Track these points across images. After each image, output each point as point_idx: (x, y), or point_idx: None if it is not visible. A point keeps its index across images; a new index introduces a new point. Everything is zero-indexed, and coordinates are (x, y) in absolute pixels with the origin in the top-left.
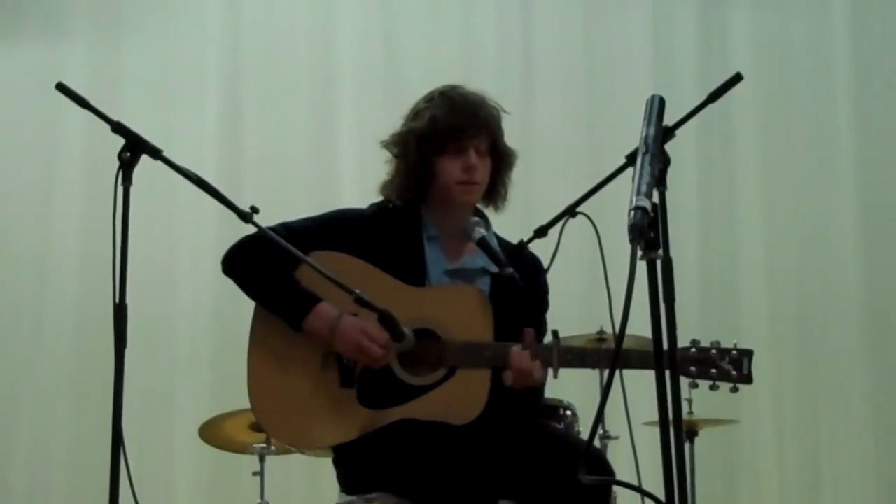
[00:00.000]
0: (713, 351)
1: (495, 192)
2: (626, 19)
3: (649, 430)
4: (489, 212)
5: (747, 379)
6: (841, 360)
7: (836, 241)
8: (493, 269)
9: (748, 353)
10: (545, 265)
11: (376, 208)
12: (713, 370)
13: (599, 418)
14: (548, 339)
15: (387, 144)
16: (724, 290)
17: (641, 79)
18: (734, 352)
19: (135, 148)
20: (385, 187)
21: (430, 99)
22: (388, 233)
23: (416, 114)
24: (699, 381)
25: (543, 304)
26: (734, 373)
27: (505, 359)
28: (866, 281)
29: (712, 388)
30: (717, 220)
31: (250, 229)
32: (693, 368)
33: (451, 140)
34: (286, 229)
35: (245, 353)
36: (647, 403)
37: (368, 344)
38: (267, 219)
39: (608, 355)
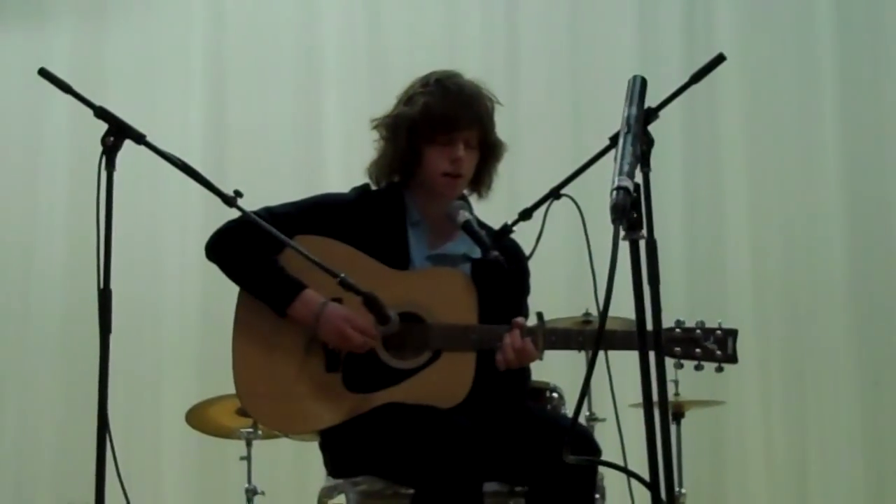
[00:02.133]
0: (697, 331)
1: (480, 181)
2: (611, 2)
3: (636, 412)
4: (472, 199)
5: (732, 358)
6: (827, 339)
7: (822, 222)
8: (475, 254)
9: (733, 333)
10: (530, 248)
11: (359, 193)
12: (697, 350)
13: (584, 396)
14: (532, 321)
15: (377, 125)
16: (710, 272)
17: (627, 62)
18: (719, 332)
19: (118, 133)
20: (371, 168)
21: (425, 84)
22: (371, 217)
23: (409, 97)
24: (684, 362)
25: (525, 289)
26: (719, 352)
27: (491, 341)
28: (852, 260)
29: (697, 368)
30: (702, 201)
31: (235, 214)
32: (677, 349)
33: (441, 130)
34: (269, 214)
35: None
36: (633, 385)
37: (352, 332)
38: (252, 203)
39: (592, 336)
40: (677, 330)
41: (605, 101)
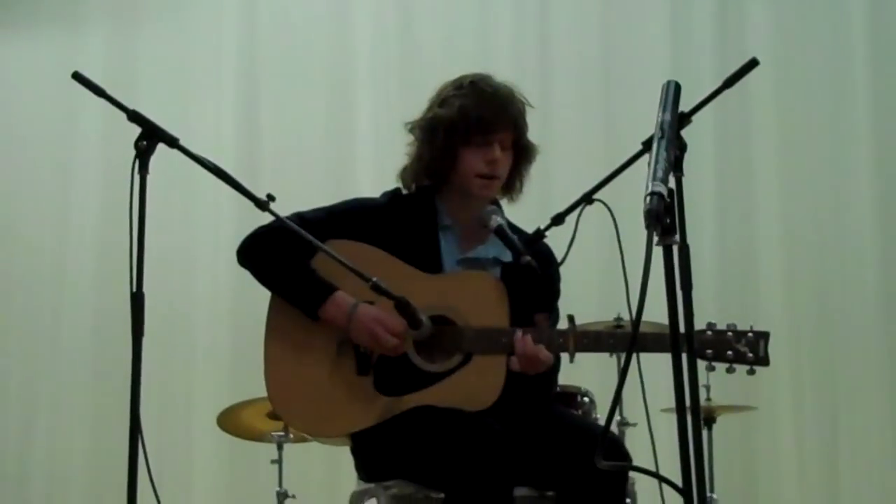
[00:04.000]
0: (729, 333)
1: (512, 184)
2: (643, 6)
3: (668, 417)
4: (503, 202)
5: (764, 361)
6: (859, 344)
7: (854, 226)
8: (506, 258)
9: (764, 335)
10: (562, 253)
11: (390, 197)
12: (729, 352)
13: (617, 401)
14: (563, 324)
15: (412, 128)
16: (742, 277)
17: (659, 66)
18: (750, 334)
19: (151, 136)
20: (404, 171)
21: (459, 87)
22: (402, 221)
23: (443, 100)
24: (715, 364)
25: (555, 293)
26: (750, 355)
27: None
28: (884, 265)
29: (729, 370)
30: (734, 204)
31: (267, 218)
32: (709, 351)
33: (477, 132)
34: (300, 219)
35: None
36: (665, 390)
37: (384, 334)
38: (284, 207)
39: (624, 339)
40: (709, 332)
41: (638, 106)
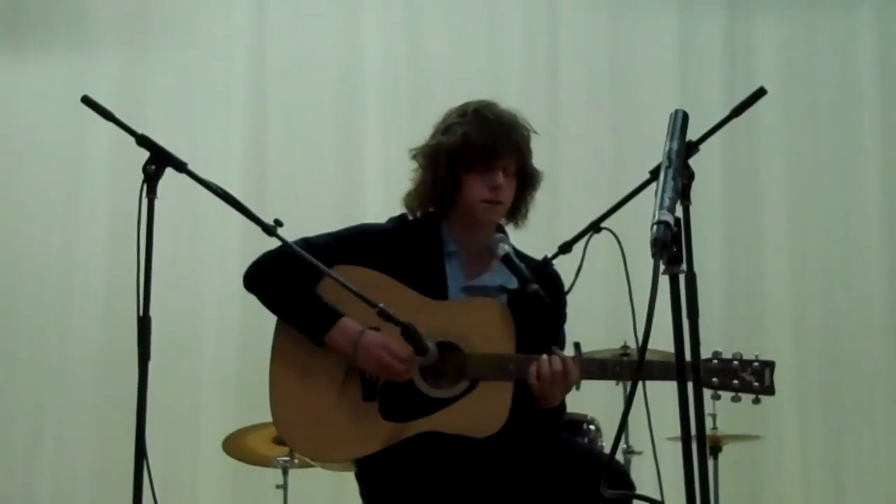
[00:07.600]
0: (735, 362)
1: (517, 211)
2: (651, 34)
3: (673, 446)
4: (508, 228)
5: (769, 390)
6: (866, 374)
7: (862, 255)
8: (512, 286)
9: (770, 365)
10: (570, 281)
11: (396, 222)
12: (735, 381)
13: (622, 429)
14: (569, 351)
15: (415, 155)
16: (749, 305)
17: (667, 93)
18: (756, 363)
19: (159, 161)
20: (408, 197)
21: (462, 114)
22: (407, 247)
23: (447, 127)
24: (721, 393)
25: (561, 319)
26: (756, 384)
27: (528, 371)
28: (892, 295)
29: (734, 399)
30: (741, 234)
31: (275, 243)
32: (715, 379)
33: (480, 159)
34: (307, 244)
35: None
36: (671, 419)
37: (390, 360)
38: (292, 232)
39: (629, 366)
40: (714, 361)
41: (645, 134)
